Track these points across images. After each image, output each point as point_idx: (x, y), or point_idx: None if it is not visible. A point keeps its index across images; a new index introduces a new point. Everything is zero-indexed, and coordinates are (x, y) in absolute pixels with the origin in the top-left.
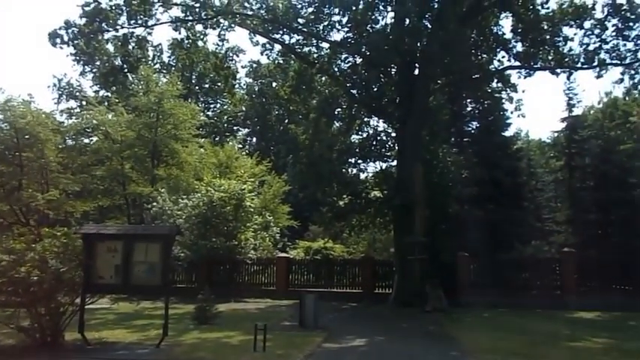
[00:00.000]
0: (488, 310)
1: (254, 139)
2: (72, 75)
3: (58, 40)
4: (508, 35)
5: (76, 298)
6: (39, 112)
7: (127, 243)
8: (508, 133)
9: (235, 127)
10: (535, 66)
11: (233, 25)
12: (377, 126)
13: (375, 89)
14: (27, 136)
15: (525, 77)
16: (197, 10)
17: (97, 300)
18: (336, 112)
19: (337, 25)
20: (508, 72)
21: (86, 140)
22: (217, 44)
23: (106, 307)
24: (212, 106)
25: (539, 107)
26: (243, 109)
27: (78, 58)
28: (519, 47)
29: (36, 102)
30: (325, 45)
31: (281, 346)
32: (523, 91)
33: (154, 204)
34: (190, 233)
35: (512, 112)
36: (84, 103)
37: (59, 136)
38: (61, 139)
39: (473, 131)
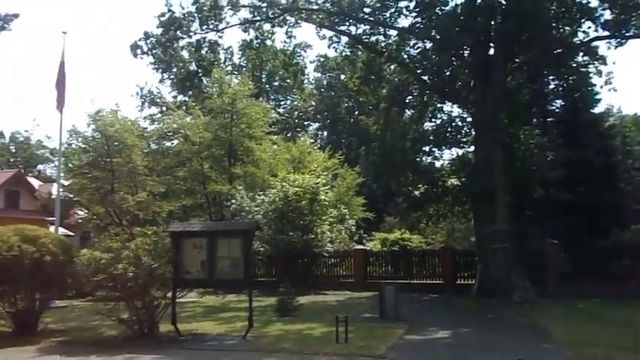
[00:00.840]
0: (582, 301)
1: (325, 133)
2: (152, 83)
3: (139, 51)
4: (593, 3)
5: (168, 292)
6: (125, 119)
7: (211, 239)
8: (598, 110)
9: (306, 122)
10: (627, 34)
11: (299, 22)
12: (451, 111)
13: (448, 73)
14: (116, 143)
15: (616, 47)
16: (264, 9)
17: (186, 294)
18: (407, 100)
19: (404, 10)
20: (595, 43)
21: (168, 143)
22: (285, 42)
23: (194, 300)
24: (282, 102)
25: (633, 79)
26: (313, 103)
27: (157, 66)
28: (607, 15)
29: (122, 110)
30: (393, 32)
31: (363, 338)
32: (614, 63)
33: (233, 201)
34: (268, 228)
35: (601, 87)
36: (164, 108)
37: (144, 141)
38: (146, 144)
39: (557, 110)
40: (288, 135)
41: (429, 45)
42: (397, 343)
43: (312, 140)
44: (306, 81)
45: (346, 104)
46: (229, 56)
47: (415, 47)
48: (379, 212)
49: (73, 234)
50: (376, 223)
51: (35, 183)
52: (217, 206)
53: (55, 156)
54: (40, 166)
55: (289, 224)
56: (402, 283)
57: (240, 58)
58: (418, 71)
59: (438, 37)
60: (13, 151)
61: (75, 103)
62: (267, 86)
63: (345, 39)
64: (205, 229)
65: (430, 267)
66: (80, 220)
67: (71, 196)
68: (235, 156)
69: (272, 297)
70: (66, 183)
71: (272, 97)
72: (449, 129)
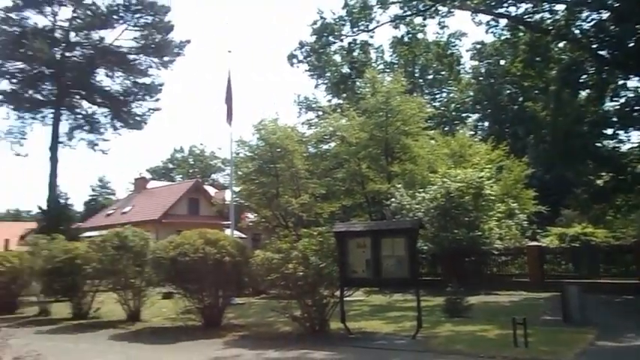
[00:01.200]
0: None
1: (486, 124)
2: (308, 89)
3: (295, 60)
4: None
5: (335, 290)
6: (285, 127)
7: (374, 238)
8: None
9: (464, 114)
10: None
11: (452, 10)
12: (638, 87)
13: (632, 44)
14: (278, 150)
15: None
16: (414, 3)
17: (353, 293)
18: (581, 80)
19: None
20: None
21: (325, 146)
22: (437, 33)
23: (361, 299)
24: (438, 96)
25: None
26: (471, 93)
27: (312, 73)
28: None
29: (281, 118)
30: (560, 7)
31: (545, 342)
32: None
33: (392, 200)
34: (431, 226)
35: None
36: (320, 112)
37: (303, 145)
38: (305, 148)
39: None
40: (446, 129)
41: (605, 15)
42: (587, 350)
43: (473, 132)
44: (462, 71)
45: (508, 91)
46: (380, 55)
47: (588, 20)
48: (554, 205)
49: (245, 236)
50: (551, 217)
51: (211, 191)
52: (377, 205)
53: (226, 165)
54: (213, 175)
55: (453, 221)
56: (587, 283)
57: (391, 56)
58: (594, 46)
59: (617, 4)
60: (192, 162)
61: (241, 115)
62: (420, 81)
63: (503, 21)
64: (368, 229)
65: (622, 265)
66: (251, 223)
67: (242, 201)
68: (392, 154)
69: (439, 297)
70: (237, 189)
71: (426, 91)
72: (636, 107)
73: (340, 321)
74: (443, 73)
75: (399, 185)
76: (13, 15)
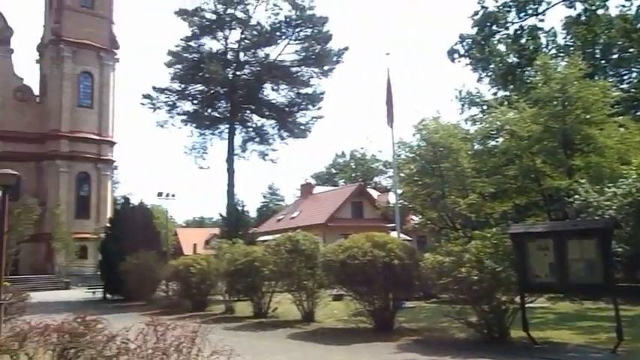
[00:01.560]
0: None
1: None
2: (470, 84)
3: (456, 55)
4: None
5: (514, 296)
6: (447, 124)
7: (558, 240)
8: None
9: None
10: None
11: None
12: None
13: None
14: (441, 149)
15: None
16: None
17: (535, 299)
18: None
19: None
20: None
21: (492, 142)
22: (623, 6)
23: (544, 306)
24: (626, 77)
25: None
26: None
27: (474, 66)
28: None
29: (442, 116)
30: None
31: None
32: None
33: (576, 197)
34: (626, 225)
35: None
36: (484, 107)
37: (468, 143)
38: (470, 146)
39: None
40: (638, 114)
41: None
42: None
43: None
44: None
45: None
46: (552, 39)
47: None
48: None
49: (410, 239)
50: None
51: (374, 194)
52: (556, 203)
53: (387, 168)
54: (375, 178)
55: None
56: None
57: (565, 38)
58: None
59: None
60: (353, 167)
61: (401, 116)
62: (602, 62)
63: None
64: (550, 230)
65: None
66: (416, 225)
67: (406, 203)
68: (572, 146)
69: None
70: (400, 191)
71: (611, 72)
72: None
73: (522, 329)
74: (631, 50)
75: (583, 180)
76: (192, 43)
